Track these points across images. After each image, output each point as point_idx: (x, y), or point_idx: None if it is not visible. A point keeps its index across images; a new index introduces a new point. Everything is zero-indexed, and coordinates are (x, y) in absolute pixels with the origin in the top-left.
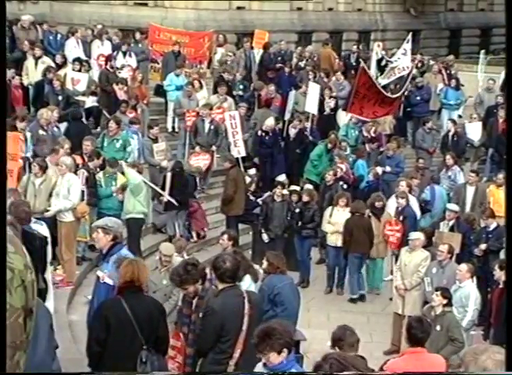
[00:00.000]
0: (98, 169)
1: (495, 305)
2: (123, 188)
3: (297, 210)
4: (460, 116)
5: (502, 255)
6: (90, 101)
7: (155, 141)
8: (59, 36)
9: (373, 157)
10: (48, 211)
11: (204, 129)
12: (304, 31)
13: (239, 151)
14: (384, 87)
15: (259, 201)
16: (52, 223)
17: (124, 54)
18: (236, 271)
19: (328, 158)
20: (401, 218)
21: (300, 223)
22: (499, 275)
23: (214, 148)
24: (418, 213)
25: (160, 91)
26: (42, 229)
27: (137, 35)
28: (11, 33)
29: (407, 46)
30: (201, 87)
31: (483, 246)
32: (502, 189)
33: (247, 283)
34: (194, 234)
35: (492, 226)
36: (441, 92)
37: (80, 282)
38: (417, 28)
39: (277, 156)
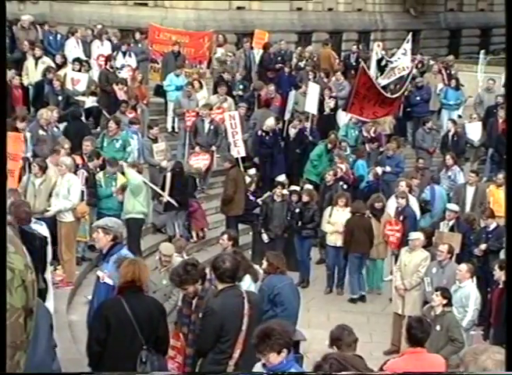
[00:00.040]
0: (98, 170)
1: (495, 305)
2: (123, 189)
3: (297, 210)
4: (460, 116)
5: (502, 255)
6: (90, 102)
7: (155, 141)
8: (59, 36)
9: (373, 157)
10: (47, 211)
11: (203, 129)
12: (303, 31)
13: (239, 151)
14: (384, 87)
15: (259, 201)
16: (52, 223)
17: (124, 54)
18: (236, 271)
19: (328, 159)
20: (401, 218)
21: (299, 223)
22: (499, 275)
23: (214, 148)
24: (418, 213)
25: (160, 91)
26: (42, 229)
27: (137, 35)
28: (11, 33)
29: (407, 46)
30: (201, 87)
31: (483, 246)
32: (502, 189)
33: (246, 284)
34: (194, 234)
35: (492, 226)
36: (441, 92)
37: (80, 282)
38: (417, 28)
39: (277, 156)
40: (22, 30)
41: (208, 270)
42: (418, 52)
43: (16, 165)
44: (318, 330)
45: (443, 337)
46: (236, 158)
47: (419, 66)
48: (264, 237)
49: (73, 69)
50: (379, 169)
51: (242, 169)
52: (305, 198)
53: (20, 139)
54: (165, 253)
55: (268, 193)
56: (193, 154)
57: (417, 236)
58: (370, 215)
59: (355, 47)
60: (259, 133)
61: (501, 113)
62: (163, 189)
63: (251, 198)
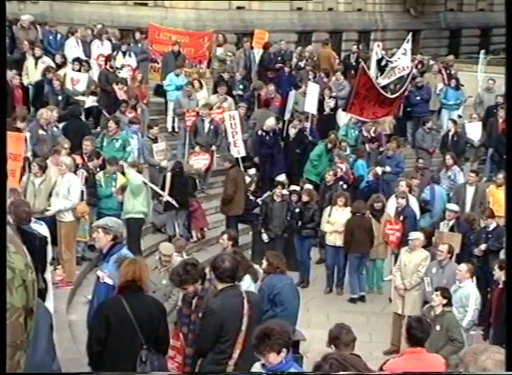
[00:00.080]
0: (98, 169)
1: (494, 305)
2: (123, 189)
3: (297, 210)
4: (459, 116)
5: (502, 255)
6: (90, 101)
7: (155, 140)
8: (59, 36)
9: (373, 157)
10: (47, 211)
11: (203, 129)
12: (303, 31)
13: (238, 151)
14: (384, 87)
15: (259, 201)
16: (52, 222)
17: (124, 54)
18: (236, 271)
19: (328, 158)
20: (401, 218)
21: (299, 223)
22: (499, 275)
23: (214, 148)
24: (418, 213)
25: (160, 90)
26: (42, 229)
27: (137, 35)
28: (11, 33)
29: (407, 46)
30: (201, 87)
31: (483, 246)
32: (502, 189)
33: (246, 284)
34: (194, 234)
35: (492, 226)
36: (441, 92)
37: (80, 282)
38: (417, 28)
39: (277, 156)
40: (22, 30)
41: (207, 270)
42: (418, 52)
43: (17, 165)
44: (317, 330)
45: (443, 337)
46: (236, 158)
47: (419, 66)
48: (264, 236)
49: (73, 69)
50: (379, 169)
51: (242, 169)
52: (305, 198)
53: (22, 139)
54: (164, 253)
55: (268, 193)
56: (193, 154)
57: (417, 236)
58: (370, 215)
59: (355, 47)
60: (259, 133)
61: (501, 113)
62: (163, 189)
63: (251, 197)
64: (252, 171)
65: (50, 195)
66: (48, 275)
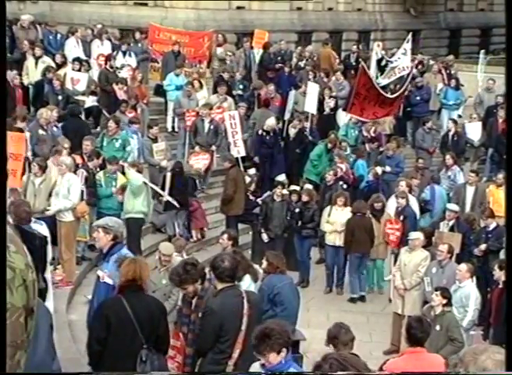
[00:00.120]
0: (98, 169)
1: (494, 305)
2: (123, 189)
3: (297, 210)
4: (459, 116)
5: (502, 255)
6: (90, 101)
7: (155, 140)
8: (59, 36)
9: (373, 157)
10: (47, 210)
11: (203, 129)
12: (303, 31)
13: (238, 151)
14: (384, 87)
15: (259, 201)
16: (52, 222)
17: (124, 53)
18: (235, 270)
19: (328, 158)
20: (401, 218)
21: (299, 223)
22: (499, 275)
23: (213, 147)
24: (418, 213)
25: (160, 90)
26: (42, 228)
27: (137, 35)
28: (11, 32)
29: (407, 46)
30: (201, 86)
31: (483, 246)
32: (501, 189)
33: (246, 283)
34: (194, 234)
35: (492, 226)
36: (441, 92)
37: (80, 282)
38: (417, 28)
39: (277, 156)
40: (22, 30)
41: (207, 270)
42: (418, 52)
43: (18, 165)
44: (317, 330)
45: (443, 337)
46: (236, 158)
47: (419, 66)
48: (264, 236)
49: (73, 69)
50: (379, 169)
51: (242, 168)
52: (305, 198)
53: (23, 139)
54: (164, 253)
55: (268, 193)
56: (193, 154)
57: (416, 236)
58: (370, 215)
59: (355, 47)
60: (259, 132)
61: (501, 113)
62: (163, 189)
63: (251, 197)
64: (252, 171)
65: (50, 195)
66: (48, 275)
